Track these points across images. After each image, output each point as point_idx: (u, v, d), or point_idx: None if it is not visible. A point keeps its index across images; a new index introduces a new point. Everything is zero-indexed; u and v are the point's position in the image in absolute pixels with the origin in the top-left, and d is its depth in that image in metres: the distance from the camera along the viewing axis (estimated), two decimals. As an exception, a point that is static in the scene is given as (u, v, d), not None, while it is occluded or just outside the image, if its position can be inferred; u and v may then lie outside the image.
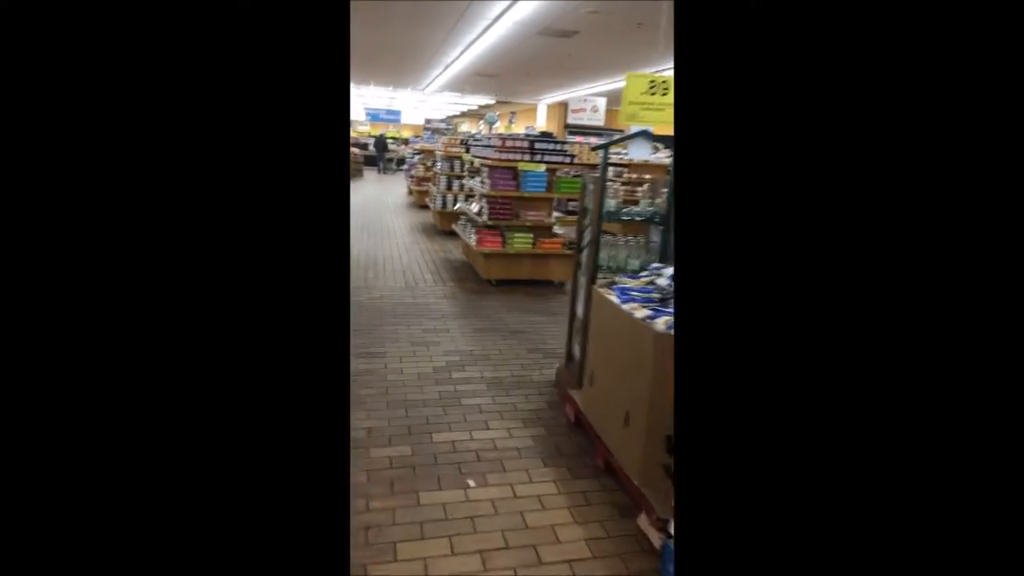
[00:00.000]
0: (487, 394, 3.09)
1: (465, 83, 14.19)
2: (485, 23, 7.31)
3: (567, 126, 13.76)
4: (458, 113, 22.92)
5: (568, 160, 5.45)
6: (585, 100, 12.93)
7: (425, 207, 10.68)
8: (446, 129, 19.63)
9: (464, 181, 7.95)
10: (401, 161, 19.20)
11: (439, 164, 8.51)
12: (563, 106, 14.81)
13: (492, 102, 18.08)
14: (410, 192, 12.80)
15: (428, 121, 20.29)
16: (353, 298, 4.75)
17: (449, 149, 8.48)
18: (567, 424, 2.79)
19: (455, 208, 7.84)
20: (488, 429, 2.71)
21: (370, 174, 18.77)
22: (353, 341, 3.74)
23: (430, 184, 10.31)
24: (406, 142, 22.15)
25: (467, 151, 8.35)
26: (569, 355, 3.12)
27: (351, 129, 22.14)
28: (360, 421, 2.70)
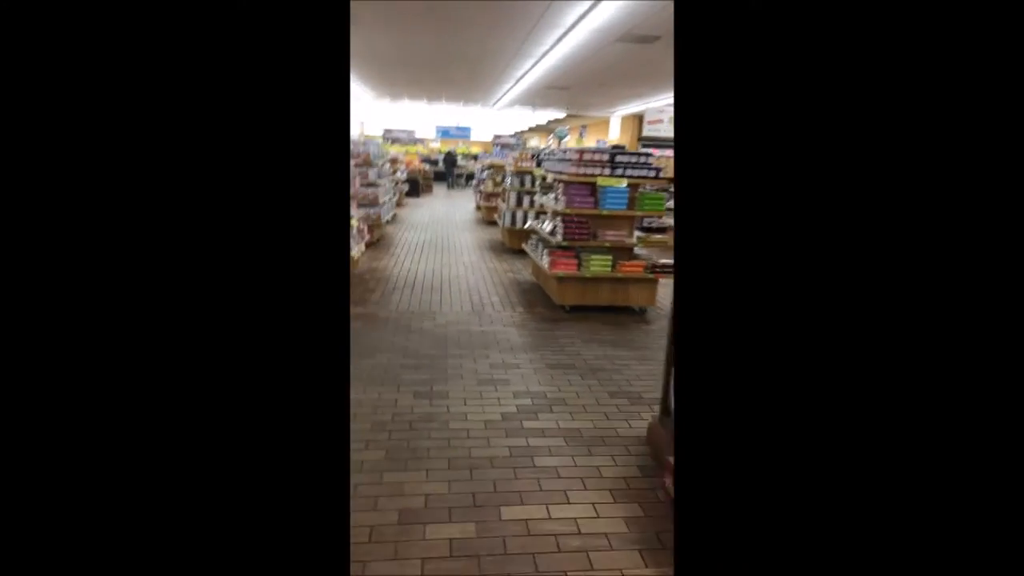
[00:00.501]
0: (566, 452, 2.61)
1: (536, 97, 13.90)
2: (560, 31, 6.93)
3: (641, 139, 13.15)
4: (527, 128, 22.73)
5: (653, 174, 4.91)
6: (662, 111, 12.30)
7: (493, 223, 10.37)
8: (515, 144, 19.48)
9: (535, 197, 7.55)
10: (470, 177, 19.16)
11: (509, 179, 8.15)
12: (637, 118, 14.20)
13: (562, 116, 17.73)
14: (478, 208, 12.59)
15: (497, 136, 20.23)
16: (415, 325, 4.41)
17: (520, 164, 8.11)
18: (668, 501, 2.26)
19: (526, 226, 7.44)
20: (569, 503, 2.21)
21: (439, 190, 18.82)
22: (416, 376, 3.37)
23: (499, 200, 9.98)
24: (475, 158, 22.20)
25: (538, 165, 7.97)
26: (665, 409, 2.59)
27: (422, 146, 22.51)
28: (419, 484, 2.28)
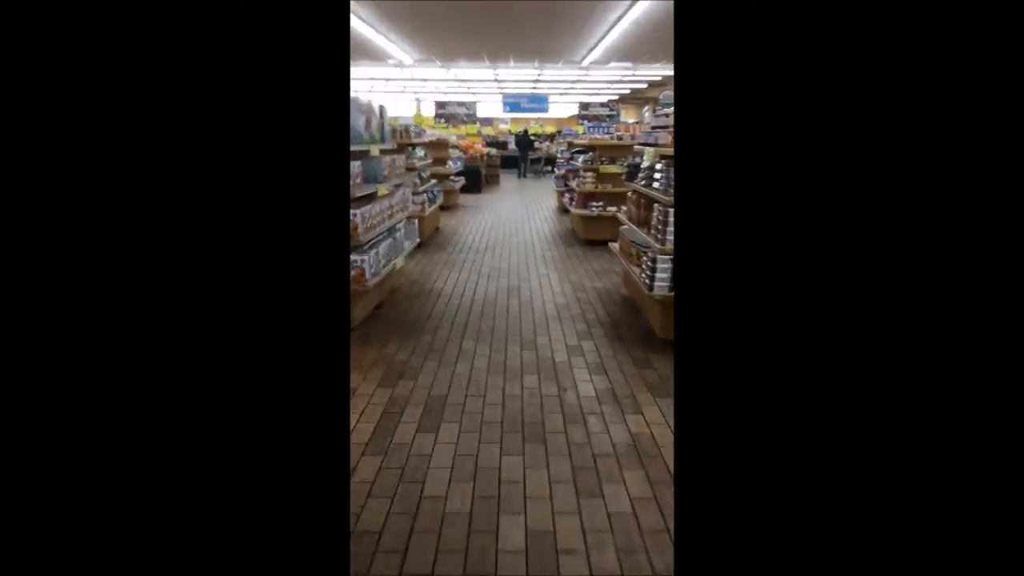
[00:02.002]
0: None
1: (644, 44, 9.33)
2: None
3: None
4: (616, 97, 17.91)
5: None
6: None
7: (599, 243, 6.04)
8: (609, 114, 14.85)
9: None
10: (550, 161, 14.71)
11: (659, 178, 3.69)
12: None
13: (671, 74, 12.89)
14: (563, 211, 8.30)
15: (585, 107, 15.61)
16: None
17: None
18: None
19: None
20: None
21: (508, 180, 14.52)
22: None
23: (607, 207, 5.65)
24: (552, 137, 17.78)
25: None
26: None
27: (491, 127, 18.42)
28: None
